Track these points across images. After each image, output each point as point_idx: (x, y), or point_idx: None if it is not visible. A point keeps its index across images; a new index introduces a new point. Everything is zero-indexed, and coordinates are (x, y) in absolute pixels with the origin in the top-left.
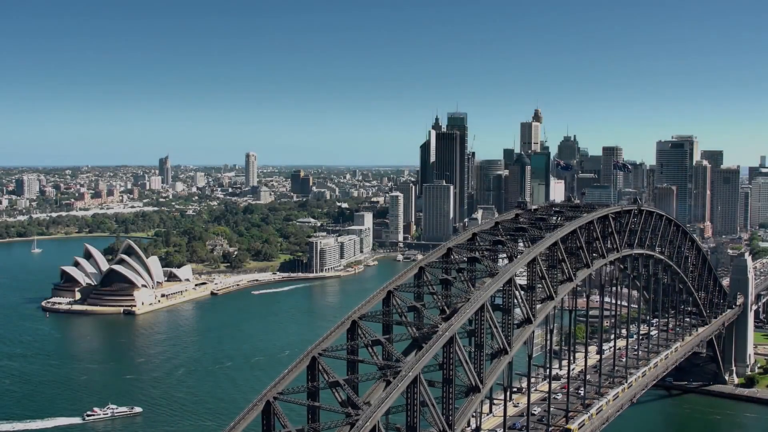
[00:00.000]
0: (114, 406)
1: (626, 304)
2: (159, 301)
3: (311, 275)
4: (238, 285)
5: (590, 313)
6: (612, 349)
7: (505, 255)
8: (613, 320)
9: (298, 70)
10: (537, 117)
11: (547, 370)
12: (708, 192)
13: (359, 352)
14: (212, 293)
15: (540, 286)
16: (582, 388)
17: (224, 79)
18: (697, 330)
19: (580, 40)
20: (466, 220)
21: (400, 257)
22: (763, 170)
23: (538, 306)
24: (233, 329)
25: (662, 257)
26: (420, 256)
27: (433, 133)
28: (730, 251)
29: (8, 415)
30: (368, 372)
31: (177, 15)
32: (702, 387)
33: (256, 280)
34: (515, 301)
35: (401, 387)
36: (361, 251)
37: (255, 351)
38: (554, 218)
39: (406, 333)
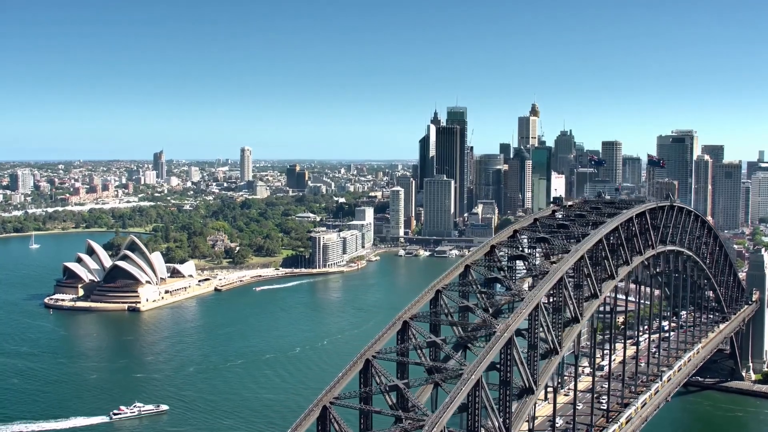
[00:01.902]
0: (140, 405)
1: (648, 300)
2: (162, 297)
3: (314, 271)
4: (241, 281)
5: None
6: (639, 346)
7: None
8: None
9: (291, 65)
10: (534, 111)
11: (580, 369)
12: (710, 187)
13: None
14: (216, 289)
15: (585, 284)
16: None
17: (214, 73)
18: (719, 326)
19: (577, 35)
20: (465, 214)
21: (402, 252)
22: (762, 165)
23: (584, 304)
24: (241, 326)
25: (691, 253)
26: (422, 251)
27: (433, 127)
28: (735, 246)
29: (28, 414)
30: (418, 375)
31: (169, 8)
32: (719, 383)
33: (260, 276)
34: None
35: (465, 390)
36: (363, 246)
37: (265, 348)
38: (592, 215)
39: (452, 334)
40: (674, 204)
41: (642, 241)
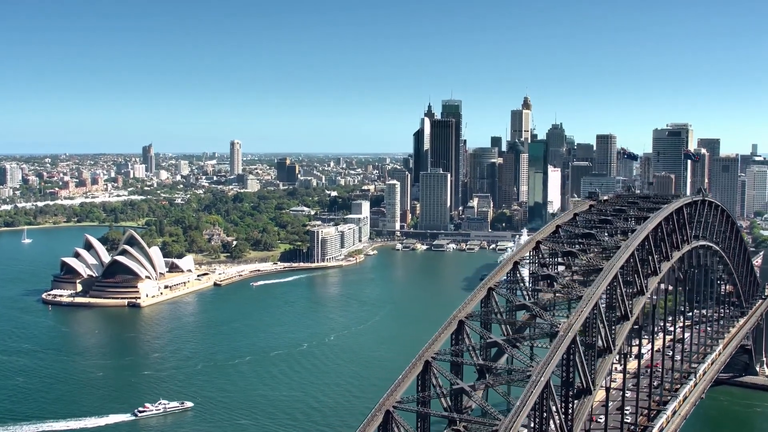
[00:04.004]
0: (165, 402)
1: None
2: (162, 293)
3: (313, 265)
4: (240, 275)
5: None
6: (671, 341)
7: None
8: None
9: (278, 59)
10: (526, 105)
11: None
12: (706, 180)
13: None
14: (215, 284)
15: (632, 280)
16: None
17: (198, 68)
18: (739, 321)
19: (569, 29)
20: (461, 208)
21: (399, 246)
22: (756, 158)
23: (632, 301)
24: (244, 322)
25: (718, 248)
26: (419, 245)
27: (427, 120)
28: None
29: (44, 414)
30: (472, 375)
31: (156, 1)
32: (733, 378)
33: (258, 270)
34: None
35: (536, 392)
36: (360, 240)
37: (272, 345)
38: (631, 210)
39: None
40: (706, 199)
41: (680, 236)
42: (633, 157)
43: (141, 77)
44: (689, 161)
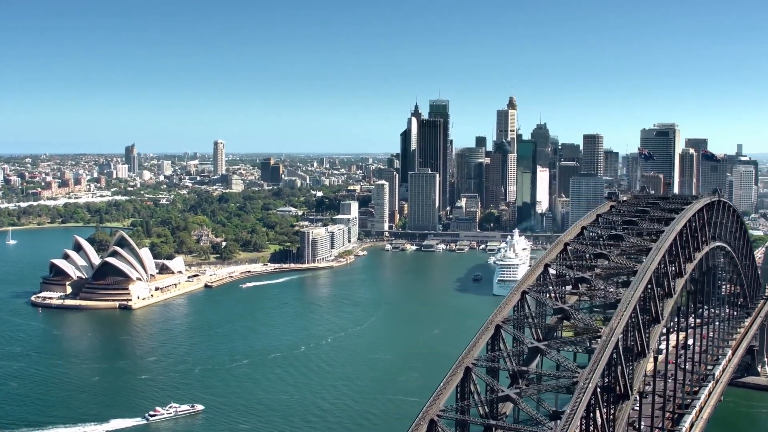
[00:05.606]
0: (176, 405)
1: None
2: (152, 295)
3: (303, 266)
4: (231, 276)
5: None
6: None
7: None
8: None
9: (260, 59)
10: (512, 104)
11: None
12: (695, 180)
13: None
14: (206, 285)
15: (662, 282)
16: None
17: (180, 67)
18: (745, 321)
19: (554, 29)
20: (448, 208)
21: (388, 247)
22: (742, 158)
23: (663, 303)
24: (238, 324)
25: (730, 249)
26: (409, 246)
27: (414, 120)
28: None
29: (43, 417)
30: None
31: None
32: (734, 378)
33: (248, 272)
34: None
35: (585, 399)
36: (349, 241)
37: (269, 347)
38: (653, 211)
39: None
40: (721, 199)
41: (701, 237)
42: (649, 156)
43: (122, 76)
44: (709, 161)
